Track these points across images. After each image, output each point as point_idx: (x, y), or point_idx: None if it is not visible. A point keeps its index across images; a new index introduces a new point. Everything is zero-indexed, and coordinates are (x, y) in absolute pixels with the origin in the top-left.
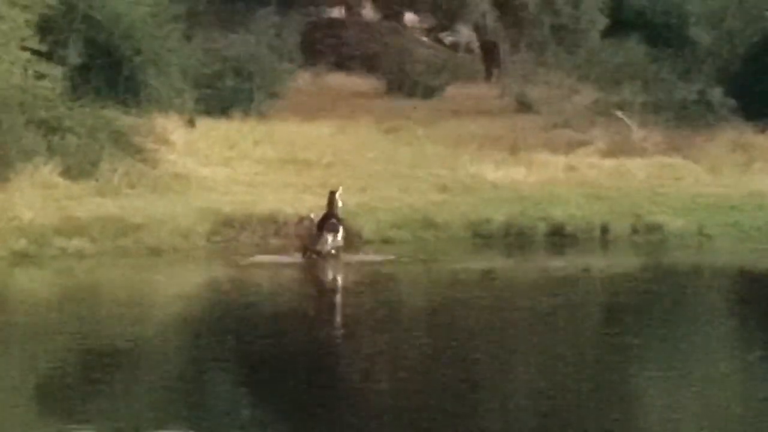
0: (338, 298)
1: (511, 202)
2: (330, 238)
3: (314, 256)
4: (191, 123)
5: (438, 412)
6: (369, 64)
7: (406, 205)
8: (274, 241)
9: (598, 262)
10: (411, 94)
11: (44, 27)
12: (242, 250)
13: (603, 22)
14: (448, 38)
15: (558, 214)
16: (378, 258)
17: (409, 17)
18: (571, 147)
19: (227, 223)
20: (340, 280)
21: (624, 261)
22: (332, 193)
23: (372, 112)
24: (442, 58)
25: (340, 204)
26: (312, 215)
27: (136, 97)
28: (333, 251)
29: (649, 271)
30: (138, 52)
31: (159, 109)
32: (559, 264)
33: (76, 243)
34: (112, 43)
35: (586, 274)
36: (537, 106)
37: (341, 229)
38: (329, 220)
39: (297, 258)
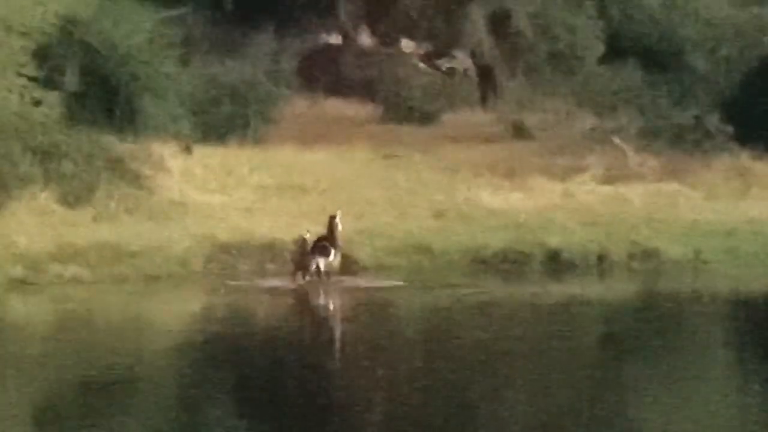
0: (333, 324)
1: (508, 229)
2: (321, 260)
3: (304, 277)
4: (188, 149)
5: None
6: (366, 91)
7: (402, 231)
8: (270, 267)
9: (595, 289)
10: (408, 121)
11: (41, 53)
12: (239, 276)
13: (599, 48)
14: (444, 64)
15: (554, 240)
16: (382, 284)
17: (406, 43)
18: (567, 173)
19: (224, 249)
20: (334, 306)
21: (621, 287)
22: (332, 218)
23: (369, 139)
24: (438, 84)
25: (339, 228)
26: (307, 236)
27: (133, 124)
28: (322, 274)
29: (646, 298)
30: (134, 78)
31: (155, 135)
32: (555, 291)
33: (72, 270)
34: (108, 70)
35: (583, 301)
36: (533, 132)
37: (333, 253)
38: (321, 242)
39: (290, 282)
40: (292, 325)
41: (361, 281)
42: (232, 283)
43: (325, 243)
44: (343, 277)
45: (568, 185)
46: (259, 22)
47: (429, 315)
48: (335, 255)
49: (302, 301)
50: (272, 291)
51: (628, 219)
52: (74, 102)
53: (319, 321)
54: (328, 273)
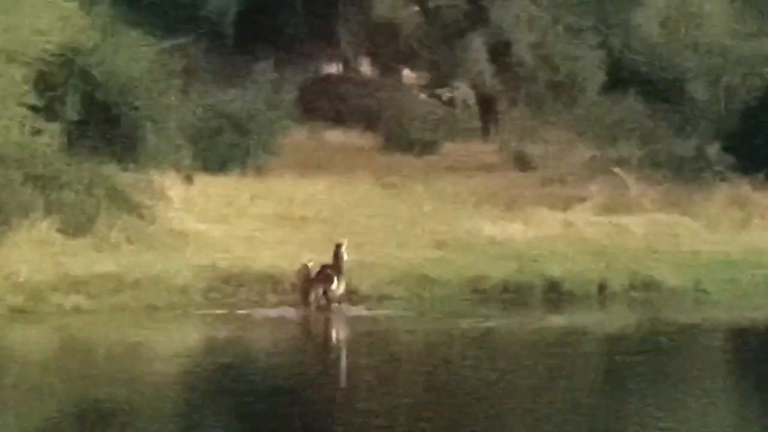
0: (335, 355)
1: (509, 259)
2: (325, 288)
3: (306, 306)
4: (189, 179)
5: None
6: (366, 120)
7: (403, 261)
8: (271, 298)
9: (596, 319)
10: (408, 150)
11: (41, 83)
12: (240, 305)
13: (600, 78)
14: (445, 94)
15: (555, 270)
16: (386, 313)
17: (407, 73)
18: (568, 203)
19: (224, 279)
20: (337, 335)
21: (621, 318)
22: (338, 246)
23: (369, 168)
24: (439, 114)
25: (345, 257)
26: (310, 263)
27: (134, 153)
28: (326, 302)
29: (647, 329)
30: (135, 108)
31: (156, 165)
32: (556, 321)
33: (73, 299)
34: (109, 99)
35: (584, 330)
36: (534, 162)
37: (336, 281)
38: (326, 270)
39: (293, 311)
40: (294, 355)
41: (366, 310)
42: (238, 312)
43: (329, 271)
44: (346, 306)
45: (569, 215)
46: (259, 52)
47: (431, 345)
48: (339, 283)
49: (305, 329)
50: (274, 320)
51: (629, 249)
52: (75, 131)
53: (322, 350)
54: (331, 301)
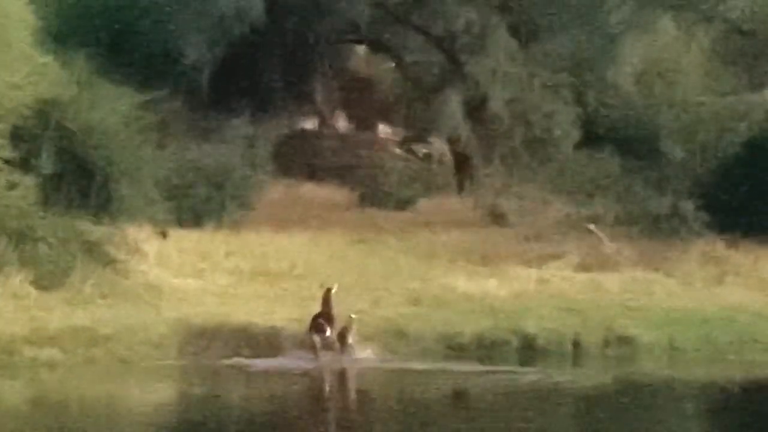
0: (310, 410)
1: (483, 315)
2: (318, 337)
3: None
4: (163, 233)
5: None
6: (342, 176)
7: (378, 317)
8: (245, 353)
9: (570, 376)
10: (383, 206)
11: (17, 136)
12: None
13: (576, 134)
14: (421, 150)
15: (530, 326)
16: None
17: (383, 129)
18: (543, 260)
19: (199, 334)
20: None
21: (596, 374)
22: (327, 291)
23: (344, 224)
24: (414, 169)
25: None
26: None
27: (108, 207)
28: (319, 351)
29: (621, 385)
30: (110, 162)
31: (131, 219)
32: (530, 377)
33: (46, 353)
34: (84, 153)
35: (558, 387)
36: (509, 218)
37: (329, 330)
38: (317, 319)
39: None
40: (271, 411)
41: (361, 359)
42: (245, 362)
43: (320, 320)
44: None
45: (544, 272)
46: (235, 107)
47: (405, 401)
48: (332, 331)
49: (280, 383)
50: (252, 374)
51: (604, 306)
52: (50, 185)
53: (297, 406)
54: (324, 349)
